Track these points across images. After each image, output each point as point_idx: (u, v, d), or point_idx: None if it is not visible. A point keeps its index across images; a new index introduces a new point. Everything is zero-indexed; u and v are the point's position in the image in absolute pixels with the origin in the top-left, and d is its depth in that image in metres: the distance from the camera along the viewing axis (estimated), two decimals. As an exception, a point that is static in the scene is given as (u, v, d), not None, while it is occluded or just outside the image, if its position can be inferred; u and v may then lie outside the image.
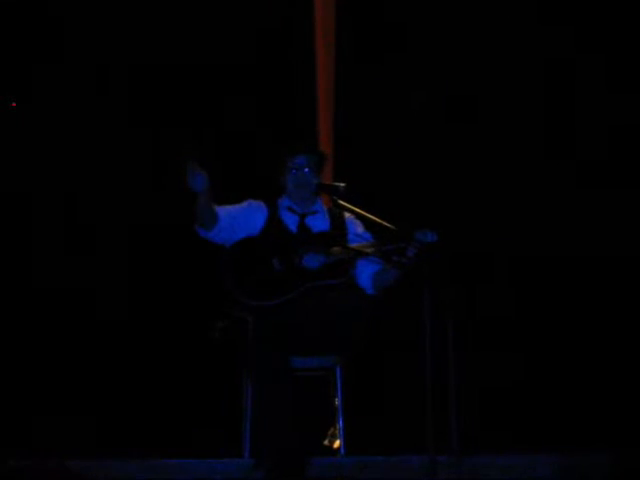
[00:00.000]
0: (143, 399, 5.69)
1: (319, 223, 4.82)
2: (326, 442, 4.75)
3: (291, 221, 4.79)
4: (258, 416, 4.43)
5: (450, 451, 4.01)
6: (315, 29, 6.01)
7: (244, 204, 4.80)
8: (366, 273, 4.74)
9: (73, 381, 5.78)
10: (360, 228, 4.81)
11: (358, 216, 4.67)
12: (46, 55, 5.97)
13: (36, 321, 5.88)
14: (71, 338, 5.86)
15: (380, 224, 4.53)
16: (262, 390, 4.36)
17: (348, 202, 4.60)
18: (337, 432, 4.70)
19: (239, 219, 4.71)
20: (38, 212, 5.96)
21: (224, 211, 4.67)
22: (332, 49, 6.01)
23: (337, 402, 4.71)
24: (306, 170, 4.76)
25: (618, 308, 5.65)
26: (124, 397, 5.72)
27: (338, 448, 4.68)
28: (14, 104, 5.93)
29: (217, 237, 4.68)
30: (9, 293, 5.87)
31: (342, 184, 4.66)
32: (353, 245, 4.64)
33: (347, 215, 4.85)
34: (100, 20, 5.98)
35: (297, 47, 5.99)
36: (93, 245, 5.98)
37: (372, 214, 4.55)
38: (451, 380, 4.04)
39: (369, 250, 4.60)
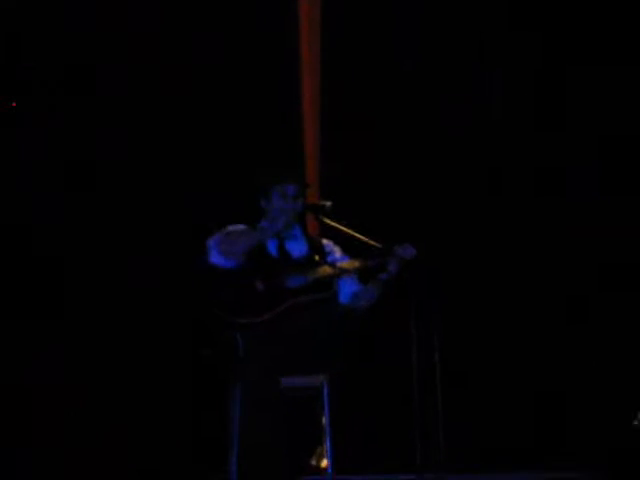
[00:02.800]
0: (131, 426, 5.63)
1: (298, 247, 4.81)
2: (313, 462, 4.73)
3: (272, 245, 4.78)
4: (246, 436, 4.41)
5: (437, 469, 4.00)
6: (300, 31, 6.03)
7: (233, 229, 4.78)
8: (346, 291, 4.75)
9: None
10: (338, 253, 4.83)
11: (343, 233, 4.66)
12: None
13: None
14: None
15: (365, 241, 4.56)
16: (250, 411, 4.35)
17: (334, 220, 4.62)
18: (324, 451, 4.68)
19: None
20: None
21: None
22: (317, 63, 6.01)
23: (324, 421, 4.70)
24: (296, 199, 4.75)
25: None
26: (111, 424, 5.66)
27: (325, 468, 4.66)
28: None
29: (228, 263, 4.68)
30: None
31: (328, 202, 4.67)
32: (336, 264, 4.65)
33: (324, 240, 4.87)
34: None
35: (283, 61, 5.98)
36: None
37: (357, 231, 4.56)
38: (438, 398, 4.04)
39: (351, 268, 4.61)
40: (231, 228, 4.77)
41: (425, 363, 4.13)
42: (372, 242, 4.57)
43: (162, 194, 5.83)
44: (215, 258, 4.67)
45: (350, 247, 4.75)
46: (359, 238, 4.58)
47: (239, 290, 4.58)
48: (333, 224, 4.64)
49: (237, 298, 4.56)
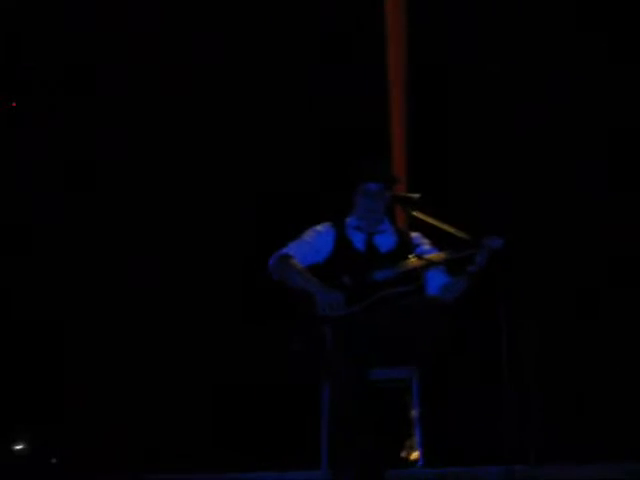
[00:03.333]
0: (220, 409, 5.71)
1: (386, 241, 4.81)
2: (404, 454, 4.74)
3: (358, 240, 4.79)
4: (336, 428, 4.42)
5: (527, 461, 3.98)
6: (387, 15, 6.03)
7: (309, 236, 4.81)
8: (435, 283, 4.73)
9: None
10: (427, 245, 4.82)
11: (431, 226, 4.65)
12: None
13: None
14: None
15: (453, 233, 4.54)
16: (341, 402, 4.36)
17: (422, 212, 4.62)
18: (415, 443, 4.68)
19: (310, 255, 4.74)
20: None
21: (300, 256, 4.73)
22: (403, 59, 6.01)
23: (414, 413, 4.70)
24: (380, 196, 4.76)
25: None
26: (199, 407, 5.75)
27: (416, 460, 4.66)
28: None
29: None
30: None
31: (416, 195, 4.66)
32: (424, 255, 4.65)
33: (413, 233, 4.85)
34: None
35: (369, 59, 5.99)
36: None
37: (445, 223, 4.55)
38: (529, 389, 4.01)
39: (439, 259, 4.60)
40: (308, 234, 4.80)
41: (515, 355, 4.09)
42: (460, 234, 4.55)
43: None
44: (271, 270, 4.72)
45: (438, 239, 4.75)
46: (447, 230, 4.56)
47: (329, 284, 4.60)
48: (421, 216, 4.64)
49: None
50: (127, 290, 6.01)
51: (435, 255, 4.67)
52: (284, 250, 4.72)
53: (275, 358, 5.58)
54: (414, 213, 4.65)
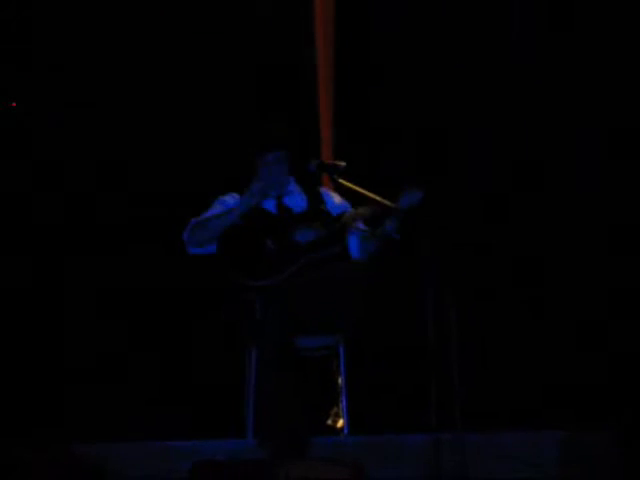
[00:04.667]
0: (143, 379, 5.66)
1: (297, 202, 4.83)
2: (329, 421, 4.75)
3: (269, 204, 4.79)
4: (262, 396, 4.42)
5: (453, 429, 4.00)
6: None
7: (217, 208, 4.80)
8: (354, 243, 4.77)
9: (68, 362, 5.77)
10: (337, 198, 4.87)
11: (358, 194, 4.65)
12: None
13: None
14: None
15: (379, 201, 4.54)
16: (267, 370, 4.37)
17: (348, 180, 4.61)
18: (340, 411, 4.69)
19: None
20: None
21: None
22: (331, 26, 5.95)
23: (340, 381, 4.71)
24: (279, 164, 4.76)
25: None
26: (124, 376, 5.68)
27: (341, 427, 4.67)
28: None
29: (208, 250, 4.71)
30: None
31: (343, 163, 4.66)
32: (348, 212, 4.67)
33: (321, 188, 4.88)
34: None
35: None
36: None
37: (371, 192, 4.56)
38: (453, 355, 4.03)
39: (362, 213, 4.62)
40: (214, 206, 4.80)
41: (441, 322, 4.10)
42: (388, 203, 4.55)
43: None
44: (193, 250, 4.69)
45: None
46: (373, 198, 4.56)
47: (252, 252, 4.58)
48: (347, 184, 4.63)
49: (251, 260, 4.57)
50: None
51: (358, 210, 4.69)
52: (188, 227, 4.73)
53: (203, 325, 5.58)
54: (340, 180, 4.65)
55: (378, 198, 4.56)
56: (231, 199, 4.83)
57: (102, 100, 5.91)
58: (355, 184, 4.62)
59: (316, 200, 4.84)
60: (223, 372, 5.40)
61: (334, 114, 5.87)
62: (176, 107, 5.88)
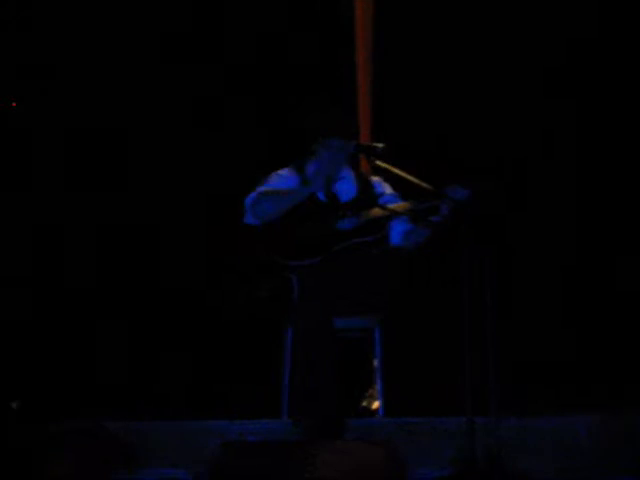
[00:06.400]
0: (179, 356, 5.68)
1: (347, 189, 4.81)
2: (365, 403, 4.75)
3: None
4: (299, 376, 4.44)
5: (489, 413, 3.99)
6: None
7: (274, 180, 4.78)
8: (397, 231, 4.74)
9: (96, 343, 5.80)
10: (388, 189, 4.84)
11: (396, 176, 4.63)
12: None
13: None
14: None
15: (417, 184, 4.52)
16: (303, 350, 4.38)
17: (386, 162, 4.59)
18: (376, 393, 4.69)
19: None
20: None
21: None
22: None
23: (376, 363, 4.71)
24: (343, 148, 4.71)
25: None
26: (157, 354, 5.71)
27: (377, 409, 4.67)
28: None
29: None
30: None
31: (381, 144, 4.64)
32: (387, 205, 4.64)
33: (374, 178, 4.84)
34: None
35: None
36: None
37: (409, 174, 4.53)
38: (490, 341, 4.01)
39: (402, 209, 4.59)
40: (272, 179, 4.76)
41: (478, 306, 4.09)
42: (424, 184, 4.53)
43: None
44: (250, 219, 4.68)
45: (402, 189, 4.73)
46: (411, 180, 4.54)
47: (292, 233, 4.59)
48: (385, 166, 4.61)
49: (290, 241, 4.58)
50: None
51: (399, 205, 4.67)
52: (254, 194, 4.68)
53: (238, 304, 5.58)
54: (378, 162, 4.63)
55: (416, 180, 4.54)
56: (288, 174, 4.81)
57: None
58: (393, 166, 4.60)
59: (366, 188, 4.83)
60: (259, 351, 5.41)
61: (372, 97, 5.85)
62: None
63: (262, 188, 4.70)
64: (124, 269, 5.90)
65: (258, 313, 5.27)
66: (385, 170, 4.62)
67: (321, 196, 4.76)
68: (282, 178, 4.78)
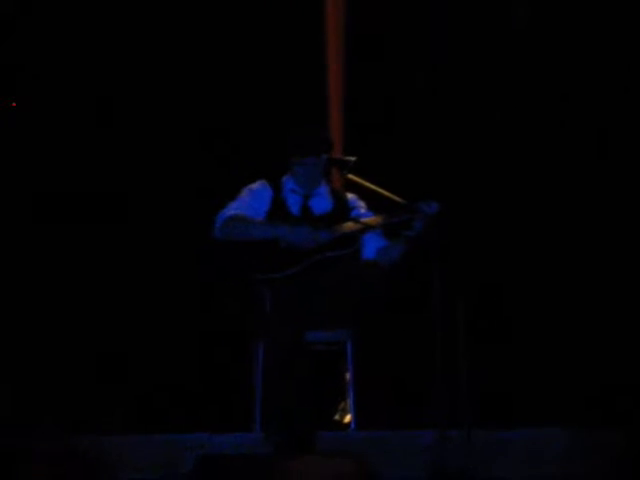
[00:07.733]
0: (150, 371, 5.65)
1: (322, 204, 4.81)
2: (337, 417, 4.76)
3: (294, 202, 4.78)
4: (271, 389, 4.43)
5: (460, 426, 4.00)
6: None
7: (247, 196, 4.77)
8: (371, 246, 4.74)
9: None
10: (362, 208, 4.83)
11: (368, 190, 4.65)
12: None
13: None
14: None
15: (389, 198, 4.54)
16: (275, 364, 4.38)
17: (358, 176, 4.61)
18: (348, 407, 4.69)
19: (250, 215, 4.70)
20: None
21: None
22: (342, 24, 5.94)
23: (348, 376, 4.71)
24: (315, 167, 4.73)
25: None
26: (130, 369, 5.67)
27: (348, 423, 4.67)
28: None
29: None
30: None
31: (352, 158, 4.66)
32: (360, 219, 4.65)
33: (349, 195, 4.85)
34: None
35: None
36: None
37: (381, 187, 4.56)
38: (461, 354, 4.03)
39: (375, 223, 4.61)
40: (244, 195, 4.76)
41: (450, 320, 4.11)
42: (396, 198, 4.55)
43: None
44: (219, 235, 4.66)
45: (373, 203, 4.74)
46: (383, 194, 4.56)
47: (264, 246, 4.59)
48: (357, 180, 4.63)
49: (262, 254, 4.57)
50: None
51: (371, 219, 4.68)
52: (227, 212, 4.68)
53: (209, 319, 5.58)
54: (349, 176, 4.64)
55: (387, 194, 4.56)
56: (262, 189, 4.80)
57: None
58: (365, 180, 4.62)
59: (342, 205, 4.82)
60: (231, 365, 5.40)
61: (344, 110, 5.87)
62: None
63: (232, 211, 4.68)
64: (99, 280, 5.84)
65: (230, 326, 5.29)
66: (357, 184, 4.64)
67: (295, 210, 4.77)
68: (255, 195, 4.77)
